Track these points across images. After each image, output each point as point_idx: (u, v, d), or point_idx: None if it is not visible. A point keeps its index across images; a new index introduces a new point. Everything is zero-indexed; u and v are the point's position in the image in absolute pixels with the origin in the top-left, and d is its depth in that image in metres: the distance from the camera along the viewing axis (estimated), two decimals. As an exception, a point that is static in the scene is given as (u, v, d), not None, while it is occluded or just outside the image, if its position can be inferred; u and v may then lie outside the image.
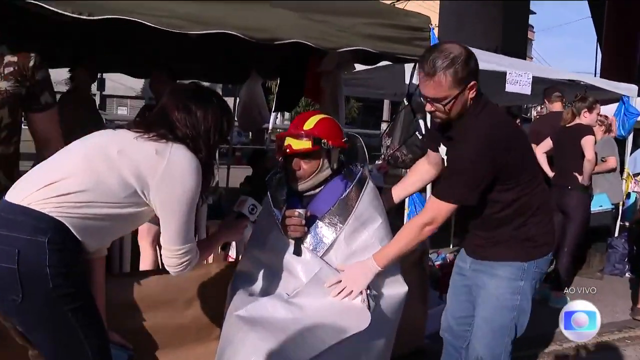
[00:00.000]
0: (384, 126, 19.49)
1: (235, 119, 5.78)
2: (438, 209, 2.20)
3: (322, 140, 2.32)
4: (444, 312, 2.65)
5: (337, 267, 2.29)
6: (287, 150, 2.34)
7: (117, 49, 4.51)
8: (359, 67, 5.43)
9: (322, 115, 2.44)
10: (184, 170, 1.83)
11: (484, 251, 2.36)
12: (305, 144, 2.30)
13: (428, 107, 2.18)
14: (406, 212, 5.10)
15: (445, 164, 2.34)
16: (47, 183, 1.74)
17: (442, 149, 2.35)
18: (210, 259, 4.43)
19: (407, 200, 5.09)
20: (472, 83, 2.13)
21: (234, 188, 6.34)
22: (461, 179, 2.16)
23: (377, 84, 7.81)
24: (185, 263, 1.93)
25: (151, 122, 1.94)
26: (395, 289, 2.40)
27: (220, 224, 2.44)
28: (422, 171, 2.66)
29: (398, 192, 2.69)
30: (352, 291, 2.20)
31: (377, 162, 6.31)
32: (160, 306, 2.50)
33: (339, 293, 2.21)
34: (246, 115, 5.66)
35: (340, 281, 2.23)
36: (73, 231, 1.73)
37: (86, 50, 4.22)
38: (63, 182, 1.74)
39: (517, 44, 21.77)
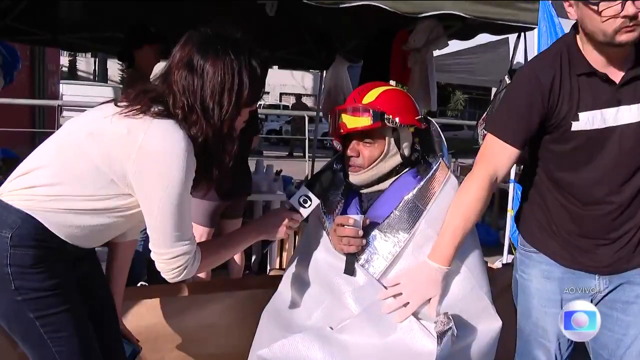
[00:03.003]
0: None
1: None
2: None
3: (386, 116, 1.74)
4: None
5: (385, 283, 1.72)
6: (341, 130, 1.80)
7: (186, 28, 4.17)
8: (455, 46, 4.82)
9: (388, 87, 1.86)
10: (160, 151, 1.42)
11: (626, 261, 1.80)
12: (363, 121, 1.74)
13: None
14: (510, 212, 4.36)
15: None
16: (21, 173, 1.54)
17: None
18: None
19: (511, 193, 4.38)
20: None
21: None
22: None
23: (481, 69, 7.16)
24: (178, 269, 1.54)
25: (143, 90, 1.53)
26: (486, 324, 1.76)
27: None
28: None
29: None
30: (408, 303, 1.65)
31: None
32: (190, 333, 2.02)
33: (393, 311, 1.66)
34: (330, 102, 5.22)
35: (401, 294, 1.67)
36: (48, 227, 1.47)
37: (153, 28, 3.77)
38: (35, 172, 1.51)
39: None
